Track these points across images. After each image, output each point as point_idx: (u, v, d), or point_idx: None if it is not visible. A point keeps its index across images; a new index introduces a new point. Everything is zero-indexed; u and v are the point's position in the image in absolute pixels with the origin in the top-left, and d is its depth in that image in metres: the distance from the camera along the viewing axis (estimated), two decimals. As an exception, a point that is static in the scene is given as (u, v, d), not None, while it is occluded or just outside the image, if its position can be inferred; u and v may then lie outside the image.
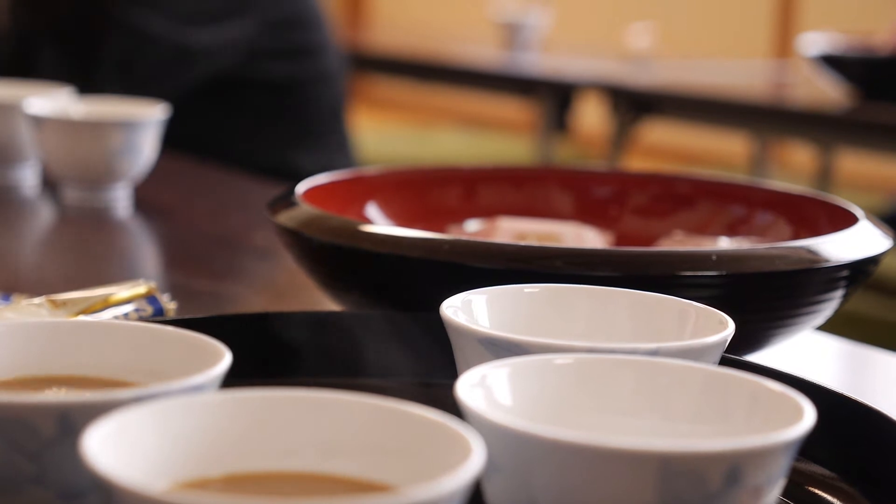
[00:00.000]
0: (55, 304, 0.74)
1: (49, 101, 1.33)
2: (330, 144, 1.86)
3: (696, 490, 0.45)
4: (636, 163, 3.80)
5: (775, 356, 0.83)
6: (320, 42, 1.84)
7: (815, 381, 0.62)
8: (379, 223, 0.93)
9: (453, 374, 0.55)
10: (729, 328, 0.58)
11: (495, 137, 4.81)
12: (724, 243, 0.93)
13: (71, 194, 1.28)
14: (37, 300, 0.74)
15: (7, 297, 0.80)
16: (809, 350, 0.92)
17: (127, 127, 1.25)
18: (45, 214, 1.33)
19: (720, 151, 4.63)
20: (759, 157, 3.28)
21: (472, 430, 0.45)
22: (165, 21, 1.70)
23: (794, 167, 4.44)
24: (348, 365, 0.69)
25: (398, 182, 0.99)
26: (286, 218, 0.81)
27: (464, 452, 0.43)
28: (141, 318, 0.76)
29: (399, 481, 0.46)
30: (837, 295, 0.77)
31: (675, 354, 0.55)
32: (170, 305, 0.79)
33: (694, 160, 4.68)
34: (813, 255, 0.76)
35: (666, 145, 4.75)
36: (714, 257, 0.73)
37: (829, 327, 0.91)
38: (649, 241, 0.96)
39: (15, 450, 0.48)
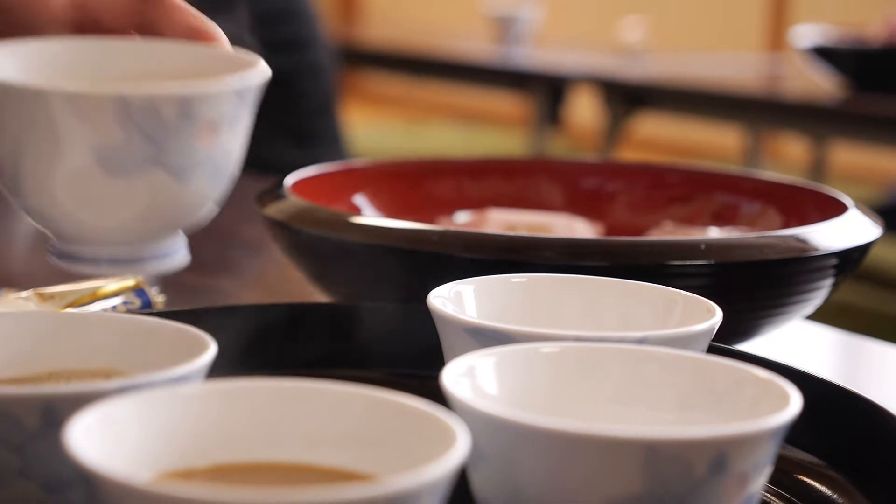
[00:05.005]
0: (43, 297, 0.74)
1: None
2: (321, 139, 1.86)
3: (683, 477, 0.45)
4: (629, 156, 3.81)
5: (766, 345, 0.83)
6: (309, 35, 1.84)
7: (801, 369, 0.62)
8: (368, 215, 0.93)
9: (441, 365, 0.55)
10: (716, 316, 0.58)
11: (488, 131, 4.81)
12: (714, 233, 0.93)
13: (61, 189, 1.28)
14: (24, 293, 0.74)
15: (-5, 291, 0.80)
16: (800, 339, 0.92)
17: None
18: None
19: (713, 144, 4.63)
20: (753, 149, 3.28)
21: (457, 419, 0.45)
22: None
23: (787, 160, 4.45)
24: (336, 356, 0.69)
25: (387, 174, 0.99)
26: (274, 210, 0.81)
27: (448, 441, 0.43)
28: (129, 311, 0.76)
29: (384, 471, 0.46)
30: (827, 284, 0.77)
31: (663, 343, 0.55)
32: (158, 298, 0.79)
33: (687, 153, 4.68)
34: (802, 243, 0.76)
35: (659, 138, 4.75)
36: (703, 246, 0.73)
37: (820, 318, 0.91)
38: (639, 231, 0.96)
39: (-1, 443, 0.48)
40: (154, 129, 0.53)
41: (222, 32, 0.64)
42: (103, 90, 0.53)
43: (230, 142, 0.57)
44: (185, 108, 0.53)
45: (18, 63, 0.58)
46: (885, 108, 2.48)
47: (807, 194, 0.93)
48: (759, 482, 0.48)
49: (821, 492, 0.59)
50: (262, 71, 0.57)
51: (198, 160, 0.55)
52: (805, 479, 0.60)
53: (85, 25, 0.64)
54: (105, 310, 0.75)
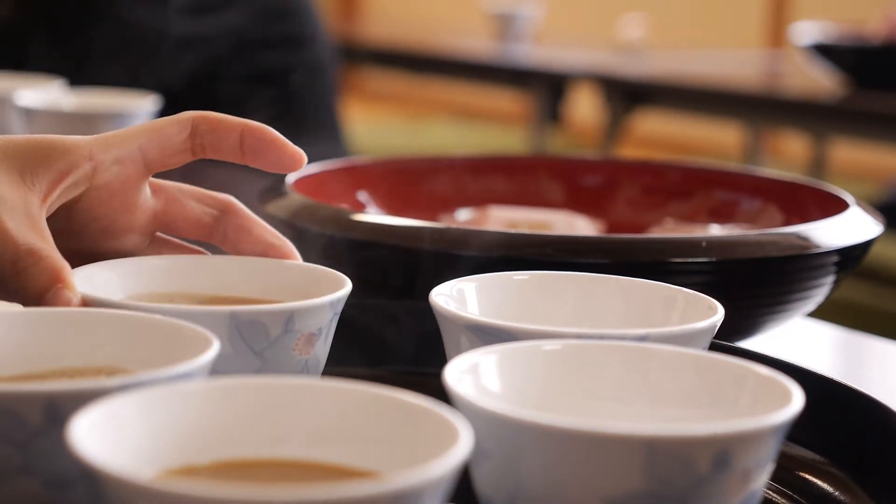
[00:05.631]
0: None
1: (40, 93, 1.32)
2: (321, 136, 1.86)
3: (685, 475, 0.45)
4: (629, 153, 3.80)
5: (767, 343, 0.83)
6: (309, 32, 1.84)
7: (803, 366, 0.62)
8: (369, 212, 0.93)
9: (443, 362, 0.55)
10: (718, 314, 0.58)
11: (489, 129, 4.81)
12: (715, 230, 0.93)
13: (62, 186, 1.28)
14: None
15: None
16: (802, 337, 0.92)
17: (118, 119, 1.25)
18: (36, 207, 1.33)
19: (714, 141, 4.63)
20: (753, 146, 3.28)
21: (459, 416, 0.45)
22: (156, 11, 1.70)
23: (787, 157, 4.45)
24: (337, 353, 0.69)
25: (389, 171, 0.99)
26: (276, 208, 0.81)
27: (451, 438, 0.43)
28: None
29: (386, 468, 0.46)
30: (828, 281, 0.77)
31: (664, 340, 0.55)
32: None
33: (687, 150, 4.68)
34: (803, 241, 0.76)
35: (659, 136, 4.75)
36: (704, 244, 0.73)
37: (822, 315, 0.91)
38: (640, 229, 0.96)
39: (2, 440, 0.47)
40: (258, 342, 0.57)
41: (295, 248, 0.66)
42: (216, 309, 0.57)
43: (321, 350, 0.61)
44: (288, 323, 0.58)
45: (121, 279, 0.63)
46: (885, 106, 2.48)
47: (807, 191, 0.93)
48: (762, 479, 0.48)
49: (823, 489, 0.59)
50: (349, 288, 0.61)
51: (295, 370, 0.59)
52: (807, 476, 0.60)
53: (163, 233, 0.66)
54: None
